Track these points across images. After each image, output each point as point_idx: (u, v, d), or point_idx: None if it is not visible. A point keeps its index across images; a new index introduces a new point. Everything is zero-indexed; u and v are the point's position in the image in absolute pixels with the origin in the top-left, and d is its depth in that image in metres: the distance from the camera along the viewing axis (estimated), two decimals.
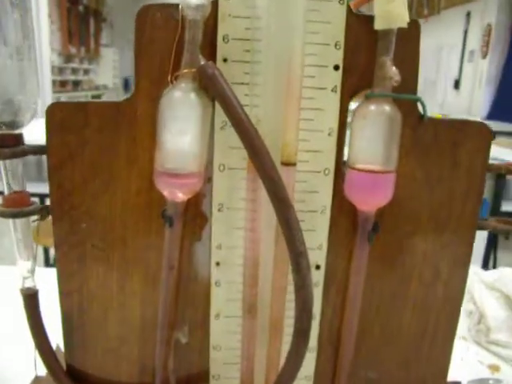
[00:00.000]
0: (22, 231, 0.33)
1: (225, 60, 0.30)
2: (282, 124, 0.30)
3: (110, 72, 6.14)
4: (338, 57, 0.30)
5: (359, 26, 0.30)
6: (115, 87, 6.31)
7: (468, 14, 3.81)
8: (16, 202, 0.32)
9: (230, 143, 0.31)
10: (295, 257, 0.28)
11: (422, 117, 0.31)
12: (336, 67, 0.30)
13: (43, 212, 0.33)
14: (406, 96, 0.30)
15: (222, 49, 0.29)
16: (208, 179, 0.32)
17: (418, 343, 0.36)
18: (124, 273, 0.34)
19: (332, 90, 0.30)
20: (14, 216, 0.32)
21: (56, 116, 0.31)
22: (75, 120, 0.31)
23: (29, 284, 0.35)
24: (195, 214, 0.33)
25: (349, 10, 0.29)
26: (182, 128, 0.29)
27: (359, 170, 0.31)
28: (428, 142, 0.32)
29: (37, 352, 0.36)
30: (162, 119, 0.29)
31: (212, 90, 0.28)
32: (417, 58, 0.31)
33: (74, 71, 4.35)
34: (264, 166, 0.27)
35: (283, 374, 0.30)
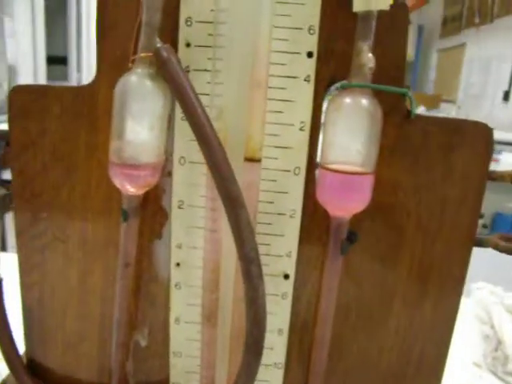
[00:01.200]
0: None
1: (187, 45, 0.27)
2: (247, 116, 0.27)
3: None
4: (311, 43, 0.27)
5: (336, 9, 0.26)
6: None
7: None
8: None
9: (191, 135, 0.28)
10: (245, 264, 0.25)
11: (409, 114, 0.28)
12: (309, 54, 0.27)
13: (6, 200, 0.32)
14: (388, 88, 0.27)
15: (184, 32, 0.27)
16: (168, 173, 0.29)
17: (401, 372, 0.32)
18: (84, 267, 0.32)
19: (305, 80, 0.27)
20: None
21: (18, 100, 0.30)
22: (36, 105, 0.30)
23: None
24: (155, 210, 0.30)
25: None
26: (137, 116, 0.27)
27: (331, 170, 0.27)
28: (416, 142, 0.28)
29: None
30: (117, 106, 0.27)
31: (165, 75, 0.25)
32: (404, 47, 0.27)
33: None
34: (213, 157, 0.24)
35: None
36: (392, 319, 0.31)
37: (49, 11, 2.38)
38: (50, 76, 2.48)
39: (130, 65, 0.28)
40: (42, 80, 2.39)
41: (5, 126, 0.31)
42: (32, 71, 2.31)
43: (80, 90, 0.29)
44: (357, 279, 0.30)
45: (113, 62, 0.29)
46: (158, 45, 0.26)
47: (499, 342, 0.51)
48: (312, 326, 0.31)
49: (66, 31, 2.58)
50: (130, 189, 0.28)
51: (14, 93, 0.30)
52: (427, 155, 0.28)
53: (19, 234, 0.32)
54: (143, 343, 0.33)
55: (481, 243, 0.30)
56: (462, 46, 3.47)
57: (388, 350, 0.31)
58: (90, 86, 0.29)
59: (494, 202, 1.76)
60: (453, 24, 3.64)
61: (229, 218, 0.25)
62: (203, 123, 0.24)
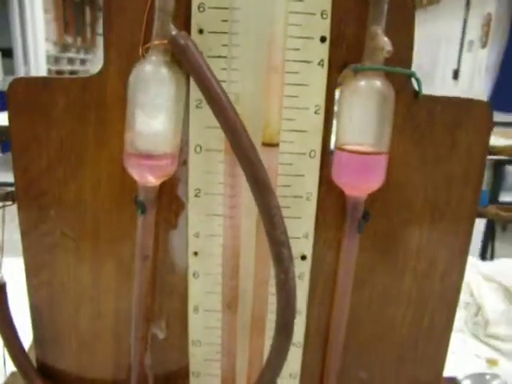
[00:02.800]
0: None
1: (200, 31, 0.27)
2: (264, 101, 0.27)
3: None
4: (324, 27, 0.27)
5: None
6: None
7: (467, 4, 3.75)
8: None
9: (206, 123, 0.28)
10: (276, 247, 0.25)
11: (416, 94, 0.29)
12: (323, 39, 0.27)
13: (8, 198, 0.31)
14: (398, 70, 0.28)
15: (197, 18, 0.27)
16: (183, 162, 0.29)
17: (413, 340, 0.34)
18: (96, 264, 0.32)
19: (318, 64, 0.28)
20: None
21: (19, 94, 0.29)
22: (40, 98, 0.29)
23: None
24: (170, 200, 0.30)
25: None
26: (153, 105, 0.26)
27: (348, 151, 0.28)
28: (423, 121, 0.29)
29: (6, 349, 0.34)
30: (132, 96, 0.26)
31: (184, 62, 0.25)
32: (412, 29, 0.28)
33: (71, 61, 4.31)
34: (241, 145, 0.25)
35: (265, 371, 0.28)
36: (403, 291, 0.33)
37: None
38: None
39: (140, 52, 0.27)
40: None
41: None
42: None
43: (87, 80, 0.28)
44: (370, 255, 0.32)
45: (121, 50, 0.28)
46: (173, 32, 0.26)
47: (479, 308, 0.54)
48: (329, 304, 0.32)
49: (9, 22, 2.44)
50: (149, 179, 0.28)
51: (13, 86, 0.29)
52: (433, 133, 0.30)
53: (25, 234, 0.31)
54: (161, 335, 0.33)
55: (482, 214, 0.32)
56: None
57: (400, 322, 0.33)
58: (97, 75, 0.28)
59: None
60: None
61: (257, 203, 0.25)
62: (228, 108, 0.24)
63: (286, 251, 0.25)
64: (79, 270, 0.32)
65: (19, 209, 0.31)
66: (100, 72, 0.28)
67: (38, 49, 2.95)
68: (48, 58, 3.26)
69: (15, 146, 0.30)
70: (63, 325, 0.33)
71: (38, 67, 2.98)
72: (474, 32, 3.73)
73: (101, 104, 0.29)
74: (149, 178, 0.28)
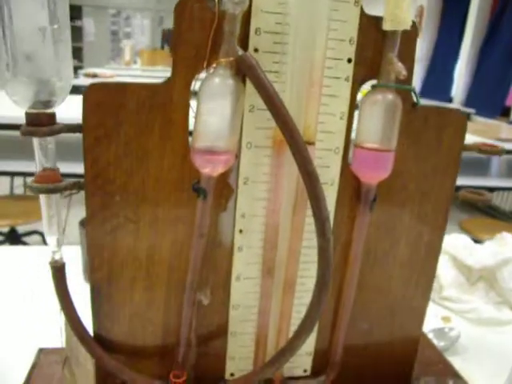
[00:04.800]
0: (55, 206, 0.35)
1: (256, 50, 0.33)
2: (305, 108, 0.34)
3: None
4: (351, 51, 0.35)
5: (369, 26, 0.35)
6: None
7: None
8: (50, 179, 0.34)
9: (257, 124, 0.35)
10: (322, 222, 0.33)
11: (414, 104, 0.37)
12: (349, 60, 0.35)
13: (76, 187, 0.35)
14: (403, 87, 0.36)
15: (253, 40, 0.33)
16: (235, 155, 0.35)
17: (403, 294, 0.43)
18: (153, 242, 0.37)
19: (345, 80, 0.35)
20: (50, 191, 0.34)
21: (93, 97, 0.33)
22: (112, 101, 0.33)
23: (57, 257, 0.37)
24: (222, 187, 0.36)
25: (362, 11, 0.34)
26: (219, 110, 0.32)
27: (365, 148, 0.36)
28: (419, 125, 0.38)
29: (62, 322, 0.38)
30: (202, 102, 0.32)
31: (251, 77, 0.31)
32: (413, 54, 0.36)
33: None
34: (297, 144, 0.31)
35: (306, 320, 0.35)
36: (398, 256, 0.41)
37: None
38: None
39: (206, 66, 0.33)
40: None
41: None
42: None
43: (157, 87, 0.33)
44: (375, 229, 0.40)
45: (187, 63, 0.33)
46: (240, 52, 0.32)
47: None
48: (343, 268, 0.40)
49: None
50: (212, 171, 0.34)
51: (89, 90, 0.33)
52: (425, 134, 0.38)
53: (90, 219, 0.36)
54: (206, 302, 0.39)
55: (456, 197, 0.41)
56: None
57: (395, 280, 0.42)
58: (166, 83, 0.34)
59: None
60: None
61: (307, 189, 0.32)
62: (286, 115, 0.31)
63: (328, 225, 0.33)
64: (138, 248, 0.37)
65: (87, 196, 0.35)
66: (168, 80, 0.34)
67: None
68: None
69: (87, 141, 0.34)
70: (119, 298, 0.38)
71: None
72: None
73: (167, 107, 0.34)
74: (211, 170, 0.34)
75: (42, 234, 2.06)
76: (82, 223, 0.66)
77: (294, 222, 0.37)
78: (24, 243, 2.03)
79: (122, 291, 0.38)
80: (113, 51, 6.29)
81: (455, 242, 0.67)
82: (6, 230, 1.98)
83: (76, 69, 4.45)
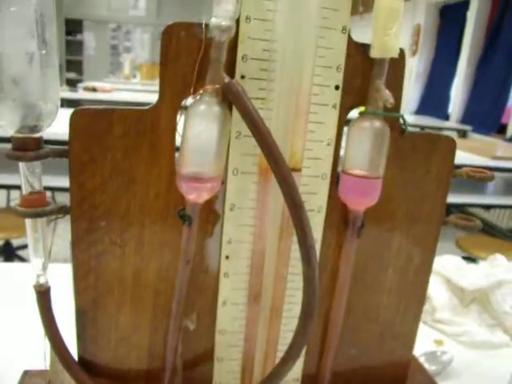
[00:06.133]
0: (40, 230, 0.35)
1: (242, 77, 0.33)
2: (291, 135, 0.34)
3: None
4: (338, 78, 0.35)
5: (357, 53, 0.35)
6: None
7: None
8: (36, 202, 0.34)
9: (243, 150, 0.35)
10: (307, 250, 0.32)
11: (403, 131, 0.37)
12: (337, 87, 0.35)
13: (62, 211, 0.35)
14: (392, 114, 0.36)
15: (240, 66, 0.33)
16: (221, 182, 0.35)
17: (392, 320, 0.42)
18: (139, 267, 0.37)
19: (332, 107, 0.35)
20: (37, 216, 0.34)
21: (79, 122, 0.33)
22: (99, 126, 0.33)
23: (42, 281, 0.36)
24: (208, 213, 0.36)
25: (349, 38, 0.34)
26: (205, 137, 0.32)
27: (352, 175, 0.36)
28: (407, 151, 0.38)
29: (47, 346, 0.38)
30: (187, 128, 0.32)
31: (236, 105, 0.31)
32: (401, 81, 0.36)
33: None
34: (282, 172, 0.31)
35: (293, 346, 0.34)
36: (387, 283, 0.41)
37: None
38: None
39: (192, 92, 0.33)
40: None
41: None
42: None
43: (143, 112, 0.33)
44: (363, 256, 0.40)
45: (174, 89, 0.33)
46: (226, 79, 0.32)
47: (427, 298, 0.65)
48: (329, 296, 0.40)
49: None
50: (197, 198, 0.34)
51: (75, 115, 0.33)
52: (413, 160, 0.38)
53: (76, 243, 0.35)
54: (191, 327, 0.39)
55: (445, 222, 0.41)
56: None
57: (384, 305, 0.42)
58: (153, 108, 0.34)
59: None
60: None
61: (292, 217, 0.32)
62: (271, 143, 0.31)
63: (313, 253, 0.33)
64: (123, 272, 0.37)
65: (72, 220, 0.35)
66: (155, 106, 0.34)
67: None
68: None
69: (73, 165, 0.34)
70: (104, 322, 0.38)
71: None
72: (404, 41, 4.07)
73: (154, 132, 0.34)
74: (197, 197, 0.33)
75: None
76: None
77: (280, 248, 0.37)
78: (18, 257, 2.01)
79: (107, 315, 0.38)
80: (112, 65, 6.34)
81: (448, 263, 0.67)
82: (0, 243, 1.97)
83: (75, 82, 4.49)
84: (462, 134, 3.48)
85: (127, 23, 6.40)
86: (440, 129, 3.41)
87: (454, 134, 3.60)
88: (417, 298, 0.42)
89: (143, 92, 3.73)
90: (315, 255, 0.33)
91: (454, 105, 3.89)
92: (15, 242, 1.97)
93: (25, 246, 2.03)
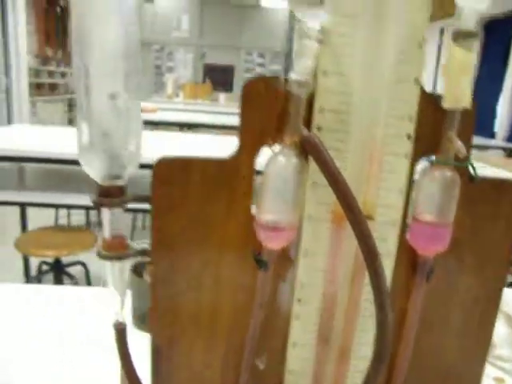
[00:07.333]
0: (120, 271, 0.37)
1: (319, 128, 0.35)
2: (365, 184, 0.35)
3: None
4: (410, 128, 0.36)
5: (429, 103, 0.36)
6: None
7: (441, 31, 4.03)
8: (118, 246, 0.36)
9: (318, 199, 0.36)
10: (381, 296, 0.33)
11: (472, 178, 0.38)
12: (409, 136, 0.36)
13: (142, 254, 0.37)
14: (462, 164, 0.36)
15: (317, 118, 0.35)
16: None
17: (457, 361, 0.42)
18: (214, 308, 0.38)
19: (404, 156, 0.36)
20: (119, 259, 0.36)
21: (162, 172, 0.35)
22: (180, 175, 0.35)
23: (120, 319, 0.39)
24: (283, 258, 0.37)
25: (422, 89, 0.35)
26: (284, 188, 0.34)
27: (423, 222, 0.36)
28: (476, 198, 0.38)
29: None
30: (266, 180, 0.34)
31: (315, 158, 0.33)
32: (472, 131, 0.37)
33: (51, 74, 4.28)
34: (358, 222, 0.32)
35: None
36: (453, 325, 0.41)
37: None
38: None
39: (271, 142, 0.35)
40: None
41: None
42: None
43: (223, 161, 0.35)
44: (430, 298, 0.40)
45: (253, 138, 0.35)
46: (304, 132, 0.33)
47: None
48: (397, 335, 0.40)
49: None
50: (274, 245, 0.35)
51: (158, 165, 0.35)
52: (483, 205, 0.39)
53: (154, 284, 0.38)
54: (261, 366, 0.40)
55: None
56: None
57: (449, 348, 0.41)
58: (232, 157, 0.35)
59: None
60: None
61: (367, 264, 0.33)
62: (348, 193, 0.32)
63: (387, 300, 0.33)
64: (198, 313, 0.38)
65: (152, 262, 0.37)
66: (235, 154, 0.35)
67: (21, 62, 2.93)
68: (29, 70, 3.24)
69: (155, 211, 0.36)
70: (179, 360, 0.39)
71: (20, 80, 2.95)
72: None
73: (234, 180, 0.36)
74: (275, 245, 0.35)
75: (84, 265, 2.12)
76: (134, 269, 0.69)
77: (351, 292, 0.37)
78: (67, 274, 2.09)
79: (181, 353, 0.39)
80: (156, 84, 6.55)
81: (509, 299, 0.65)
82: (50, 259, 2.05)
83: None
84: (509, 153, 3.37)
85: (170, 44, 6.61)
86: (486, 147, 3.32)
87: (500, 153, 3.49)
88: (483, 339, 0.42)
89: (186, 112, 3.82)
90: (389, 302, 0.33)
91: (500, 123, 3.78)
92: (65, 260, 2.05)
93: (74, 264, 2.11)
